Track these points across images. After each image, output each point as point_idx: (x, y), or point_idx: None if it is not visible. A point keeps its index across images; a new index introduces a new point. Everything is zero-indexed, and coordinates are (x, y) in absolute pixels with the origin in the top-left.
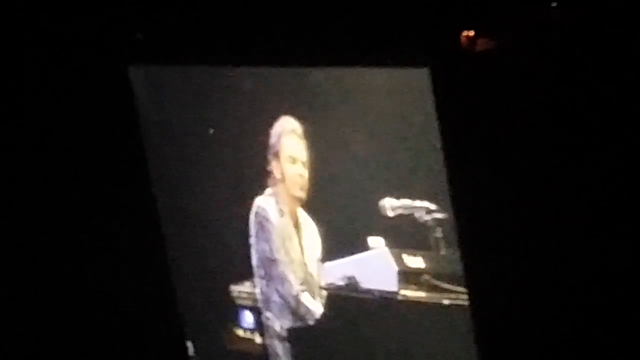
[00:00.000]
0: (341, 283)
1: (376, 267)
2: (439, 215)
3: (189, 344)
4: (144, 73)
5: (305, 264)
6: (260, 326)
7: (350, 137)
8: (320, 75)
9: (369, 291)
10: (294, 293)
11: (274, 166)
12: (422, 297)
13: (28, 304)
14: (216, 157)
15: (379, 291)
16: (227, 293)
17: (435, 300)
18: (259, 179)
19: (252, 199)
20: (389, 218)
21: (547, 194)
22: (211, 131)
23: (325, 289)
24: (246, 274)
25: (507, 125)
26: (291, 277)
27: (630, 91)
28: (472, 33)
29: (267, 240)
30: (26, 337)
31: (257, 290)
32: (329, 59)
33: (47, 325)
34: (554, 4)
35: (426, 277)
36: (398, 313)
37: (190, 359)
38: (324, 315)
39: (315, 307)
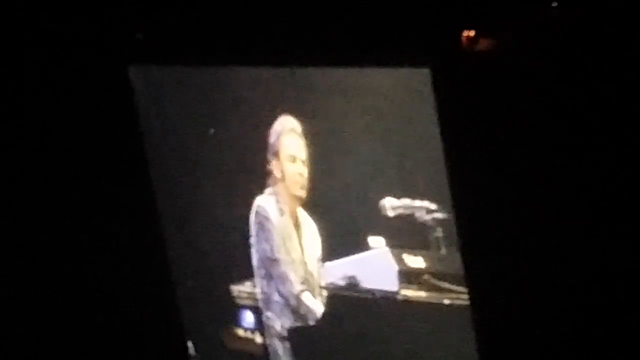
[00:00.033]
0: (342, 283)
1: (376, 267)
2: (440, 215)
3: (190, 344)
4: (144, 73)
5: (305, 263)
6: (261, 326)
7: (351, 136)
8: (321, 75)
9: (369, 291)
10: (295, 292)
11: (274, 165)
12: (422, 297)
13: (28, 304)
14: (216, 156)
15: (380, 291)
16: (228, 293)
17: (435, 300)
18: (259, 179)
19: (252, 198)
20: (390, 218)
21: (547, 194)
22: (211, 131)
23: (325, 288)
24: (246, 273)
25: (508, 125)
26: (292, 277)
27: (630, 91)
28: (472, 33)
29: (268, 240)
30: (26, 337)
31: (258, 290)
32: (329, 59)
33: (47, 325)
34: (554, 4)
35: (426, 276)
36: (398, 313)
37: (190, 359)
38: (324, 314)
39: (316, 306)
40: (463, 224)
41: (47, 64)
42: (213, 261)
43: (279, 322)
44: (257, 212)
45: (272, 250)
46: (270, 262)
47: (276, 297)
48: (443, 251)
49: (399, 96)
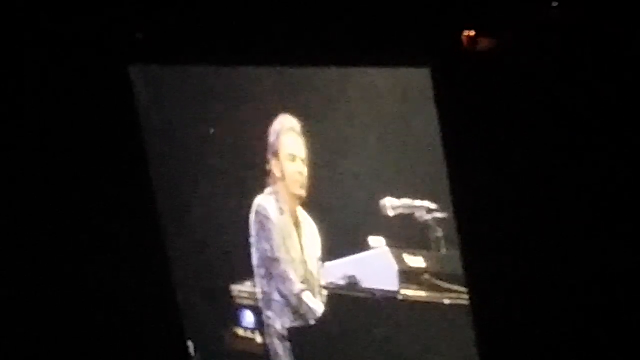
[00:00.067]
0: (342, 283)
1: (377, 267)
2: (440, 215)
3: (190, 344)
4: (144, 73)
5: (305, 263)
6: (261, 325)
7: (351, 136)
8: (321, 75)
9: (369, 291)
10: (296, 292)
11: (273, 165)
12: (422, 297)
13: (28, 304)
14: (216, 156)
15: (380, 291)
16: (228, 292)
17: (435, 300)
18: (259, 178)
19: (252, 198)
20: (390, 217)
21: (547, 194)
22: (211, 131)
23: (326, 288)
24: (247, 273)
25: (508, 125)
26: (292, 276)
27: (630, 91)
28: (473, 33)
29: (268, 239)
30: (26, 337)
31: (258, 290)
32: (330, 58)
33: (47, 325)
34: (555, 4)
35: (427, 276)
36: (399, 312)
37: (191, 358)
38: (324, 314)
39: (317, 306)
40: (463, 223)
41: (47, 63)
42: (213, 261)
43: (280, 322)
44: (257, 212)
45: (272, 249)
46: (271, 261)
47: (276, 296)
48: (443, 251)
49: (399, 96)
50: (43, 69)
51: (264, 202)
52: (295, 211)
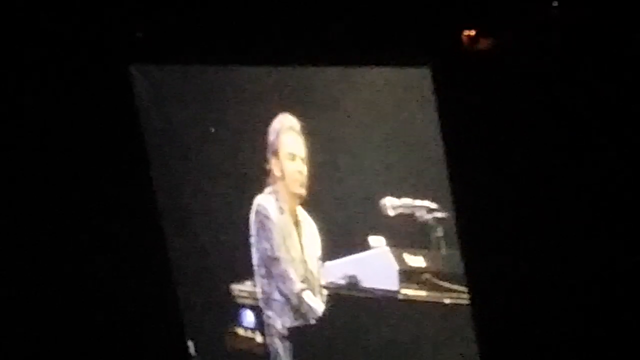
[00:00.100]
0: (342, 282)
1: (377, 266)
2: (440, 214)
3: (190, 343)
4: (144, 72)
5: (305, 262)
6: (261, 325)
7: (351, 136)
8: (321, 75)
9: (369, 290)
10: (296, 291)
11: (273, 164)
12: (423, 296)
13: (28, 304)
14: (216, 155)
15: (380, 290)
16: (228, 292)
17: (436, 299)
18: (259, 178)
19: (252, 197)
20: (390, 217)
21: (547, 194)
22: (212, 130)
23: (326, 288)
24: (247, 273)
25: (508, 124)
26: (292, 275)
27: (630, 91)
28: (472, 32)
29: (268, 239)
30: (26, 337)
31: (258, 289)
32: (330, 58)
33: (47, 325)
34: (555, 4)
35: (427, 276)
36: (399, 312)
37: (191, 358)
38: (325, 314)
39: (317, 305)
40: (463, 223)
41: (47, 63)
42: (213, 260)
43: (280, 321)
44: (257, 211)
45: (272, 248)
46: (271, 260)
47: (277, 296)
48: (443, 250)
49: (399, 95)
50: (43, 68)
51: (264, 201)
52: (295, 210)
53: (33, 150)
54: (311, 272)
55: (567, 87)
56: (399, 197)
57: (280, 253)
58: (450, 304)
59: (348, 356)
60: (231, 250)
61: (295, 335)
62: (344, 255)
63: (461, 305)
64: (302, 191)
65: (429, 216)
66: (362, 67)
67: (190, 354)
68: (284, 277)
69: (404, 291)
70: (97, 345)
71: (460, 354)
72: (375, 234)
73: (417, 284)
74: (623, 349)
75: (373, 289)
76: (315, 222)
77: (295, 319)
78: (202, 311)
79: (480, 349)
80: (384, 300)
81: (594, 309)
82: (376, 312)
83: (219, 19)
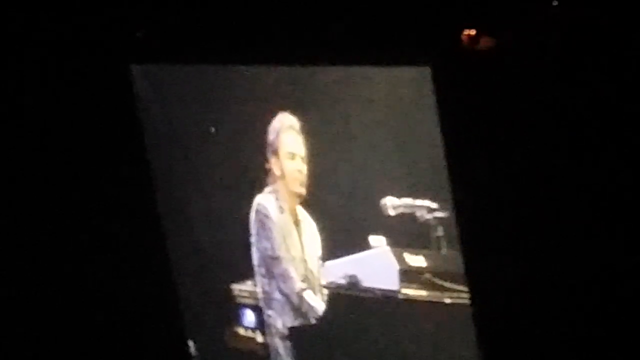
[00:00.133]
0: (342, 282)
1: (377, 266)
2: (440, 214)
3: (191, 343)
4: (144, 72)
5: (305, 261)
6: (262, 325)
7: (351, 135)
8: (322, 74)
9: (370, 290)
10: (297, 290)
11: (273, 163)
12: (423, 296)
13: (28, 304)
14: (216, 155)
15: (381, 290)
16: (229, 292)
17: (436, 299)
18: (259, 177)
19: (252, 197)
20: (390, 217)
21: (547, 193)
22: (212, 129)
23: (326, 287)
24: (247, 272)
25: (508, 124)
26: (293, 274)
27: (630, 91)
28: (473, 32)
29: (268, 238)
30: (26, 337)
31: (259, 289)
32: (330, 57)
33: (47, 325)
34: (555, 3)
35: (427, 275)
36: (399, 312)
37: (191, 358)
38: (325, 313)
39: (318, 304)
40: (464, 223)
41: (48, 63)
42: (214, 260)
43: (280, 321)
44: (257, 211)
45: (272, 248)
46: (271, 260)
47: (277, 295)
48: (444, 250)
49: (399, 95)
50: (44, 68)
51: (264, 200)
52: (295, 209)
53: (33, 150)
54: (311, 272)
55: (567, 86)
56: (399, 196)
57: (281, 252)
58: (451, 303)
59: (348, 356)
60: (231, 249)
61: (295, 335)
62: (345, 254)
63: (461, 304)
64: (302, 190)
65: (429, 216)
66: (362, 67)
67: (190, 354)
68: (285, 277)
69: (404, 291)
70: (97, 345)
71: (461, 353)
72: (375, 233)
73: (418, 283)
74: (623, 349)
75: (373, 288)
76: (315, 222)
77: (296, 319)
78: (203, 311)
79: (481, 349)
80: (385, 300)
81: (594, 308)
82: (377, 311)
83: (219, 19)
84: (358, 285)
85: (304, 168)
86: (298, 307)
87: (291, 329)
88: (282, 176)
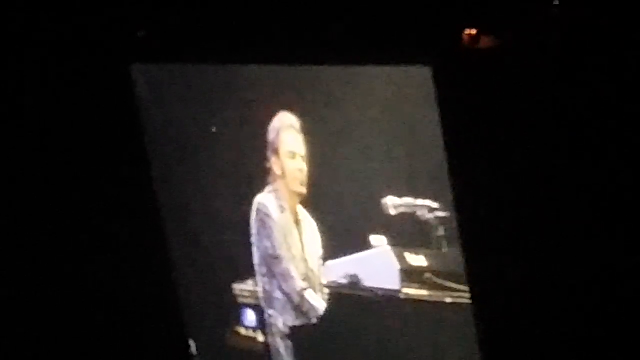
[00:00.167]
0: (343, 281)
1: (378, 266)
2: (441, 214)
3: (192, 343)
4: (145, 71)
5: (306, 261)
6: (263, 324)
7: (352, 134)
8: (322, 73)
9: (371, 289)
10: (298, 289)
11: (273, 162)
12: (424, 296)
13: (28, 304)
14: (217, 155)
15: (382, 289)
16: (230, 291)
17: (437, 299)
18: (260, 176)
19: (253, 196)
20: (391, 216)
21: (548, 193)
22: (213, 129)
23: (327, 287)
24: (248, 272)
25: (509, 124)
26: (294, 274)
27: (630, 91)
28: (474, 32)
29: (269, 238)
30: (26, 337)
31: (260, 288)
32: (331, 57)
33: (47, 325)
34: (556, 3)
35: (428, 275)
36: (400, 311)
37: (192, 358)
38: (326, 313)
39: (319, 303)
40: (465, 222)
41: (48, 63)
42: (214, 260)
43: (281, 320)
44: (258, 210)
45: (273, 247)
46: (272, 259)
47: (278, 294)
48: (445, 250)
49: (400, 94)
50: (44, 68)
51: (265, 200)
52: (296, 209)
53: (33, 149)
54: (312, 271)
55: (567, 86)
56: (400, 196)
57: (282, 252)
58: (452, 303)
59: (349, 355)
60: (232, 249)
61: (297, 334)
62: (346, 254)
63: (462, 304)
64: (303, 190)
65: (430, 215)
66: (363, 66)
67: (191, 354)
68: (286, 276)
69: (405, 290)
70: (98, 345)
71: (462, 353)
72: (376, 233)
73: (419, 283)
74: (623, 349)
75: (374, 288)
76: (316, 221)
77: (297, 318)
78: (203, 311)
79: (482, 348)
80: (386, 300)
81: (595, 308)
82: (378, 311)
83: (219, 18)
84: (359, 285)
85: (304, 167)
86: (299, 307)
87: (292, 328)
88: (283, 175)
